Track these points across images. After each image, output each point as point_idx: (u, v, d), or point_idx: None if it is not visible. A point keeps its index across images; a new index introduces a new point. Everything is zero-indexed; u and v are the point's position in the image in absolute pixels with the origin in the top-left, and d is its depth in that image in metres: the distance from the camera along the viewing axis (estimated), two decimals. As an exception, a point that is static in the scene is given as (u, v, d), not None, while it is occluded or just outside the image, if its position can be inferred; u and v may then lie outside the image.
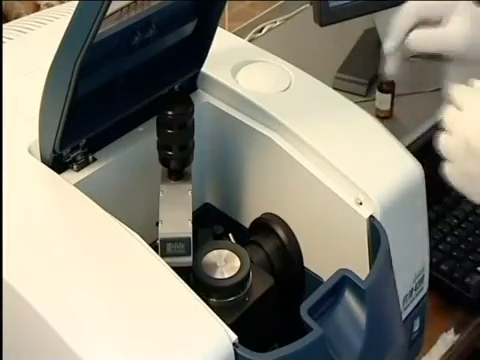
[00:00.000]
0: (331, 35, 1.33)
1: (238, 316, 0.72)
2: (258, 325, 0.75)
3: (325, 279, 0.74)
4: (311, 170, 0.78)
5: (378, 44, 0.97)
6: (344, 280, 0.69)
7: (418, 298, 0.82)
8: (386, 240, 0.73)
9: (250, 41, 1.38)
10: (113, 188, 0.77)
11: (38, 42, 0.91)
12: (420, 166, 0.80)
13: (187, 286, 0.64)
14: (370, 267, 0.73)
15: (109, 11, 0.62)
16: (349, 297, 0.70)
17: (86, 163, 0.75)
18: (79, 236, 0.67)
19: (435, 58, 0.83)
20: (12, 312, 0.64)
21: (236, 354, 0.61)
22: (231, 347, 0.61)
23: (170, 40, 0.78)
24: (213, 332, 0.61)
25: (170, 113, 0.74)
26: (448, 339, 0.97)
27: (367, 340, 0.68)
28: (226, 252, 0.76)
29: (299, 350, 0.63)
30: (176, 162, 0.77)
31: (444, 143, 0.70)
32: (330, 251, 0.78)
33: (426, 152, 0.78)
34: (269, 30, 1.47)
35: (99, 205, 0.68)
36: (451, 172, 0.70)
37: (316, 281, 0.80)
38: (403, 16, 0.80)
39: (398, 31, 0.80)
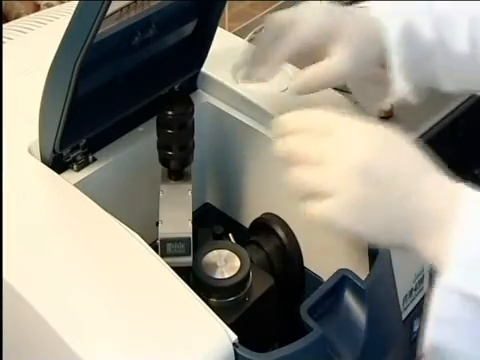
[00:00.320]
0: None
1: (238, 316, 0.72)
2: (258, 325, 0.75)
3: (325, 279, 0.74)
4: (311, 170, 0.78)
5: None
6: (344, 280, 0.69)
7: (418, 298, 0.82)
8: (386, 240, 0.73)
9: (250, 41, 1.38)
10: (113, 188, 0.77)
11: (38, 42, 0.91)
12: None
13: (187, 286, 0.64)
14: (370, 267, 0.73)
15: (109, 11, 0.62)
16: (349, 297, 0.70)
17: (86, 163, 0.75)
18: (79, 236, 0.67)
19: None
20: (12, 312, 0.64)
21: (236, 354, 0.61)
22: (231, 347, 0.61)
23: (170, 40, 0.78)
24: (213, 332, 0.61)
25: (170, 113, 0.74)
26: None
27: (367, 340, 0.68)
28: (226, 252, 0.76)
29: (299, 350, 0.63)
30: (176, 162, 0.77)
31: (310, 178, 0.61)
32: (330, 251, 0.78)
33: (426, 152, 0.78)
34: (269, 30, 1.47)
35: (99, 205, 0.68)
36: (333, 208, 0.60)
37: (316, 281, 0.80)
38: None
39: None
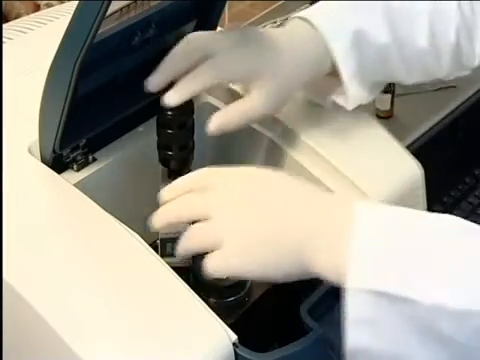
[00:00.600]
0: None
1: (238, 316, 0.72)
2: (258, 325, 0.75)
3: (325, 279, 0.74)
4: (311, 170, 0.78)
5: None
6: (344, 280, 0.69)
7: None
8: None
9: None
10: (113, 188, 0.77)
11: (38, 42, 0.91)
12: (420, 166, 0.80)
13: (187, 286, 0.64)
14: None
15: (109, 11, 0.62)
16: (349, 297, 0.69)
17: (86, 163, 0.75)
18: (79, 236, 0.67)
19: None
20: (12, 312, 0.64)
21: (236, 354, 0.61)
22: (231, 347, 0.61)
23: (170, 40, 0.78)
24: (213, 332, 0.61)
25: (170, 113, 0.74)
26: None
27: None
28: (226, 252, 0.76)
29: (299, 350, 0.63)
30: (176, 162, 0.76)
31: (199, 237, 0.63)
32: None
33: (426, 152, 0.78)
34: (269, 30, 1.47)
35: (99, 205, 0.68)
36: (218, 259, 0.61)
37: (316, 281, 0.79)
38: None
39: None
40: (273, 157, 0.81)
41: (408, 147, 0.83)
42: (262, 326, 0.76)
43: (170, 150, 0.76)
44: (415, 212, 0.60)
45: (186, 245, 0.64)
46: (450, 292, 0.55)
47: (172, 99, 0.72)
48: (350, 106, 0.78)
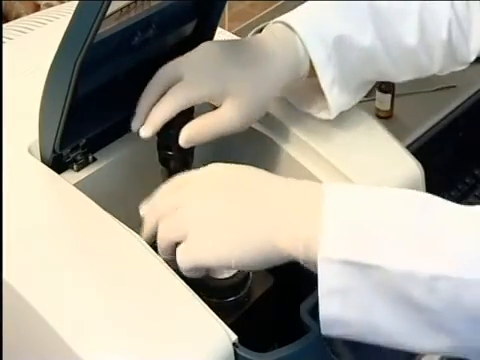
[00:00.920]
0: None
1: (238, 316, 0.72)
2: (258, 325, 0.75)
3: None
4: (311, 170, 0.78)
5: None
6: (344, 280, 0.69)
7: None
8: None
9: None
10: (113, 188, 0.77)
11: (38, 42, 0.91)
12: (420, 166, 0.80)
13: (187, 286, 0.64)
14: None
15: (109, 11, 0.62)
16: (349, 297, 0.69)
17: (86, 163, 0.75)
18: (79, 236, 0.67)
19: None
20: (12, 312, 0.64)
21: (236, 354, 0.61)
22: (231, 347, 0.61)
23: (170, 40, 0.78)
24: (213, 332, 0.61)
25: (170, 113, 0.74)
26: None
27: (367, 340, 0.68)
28: (226, 252, 0.76)
29: (299, 350, 0.63)
30: (176, 162, 0.77)
31: (167, 231, 0.64)
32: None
33: (426, 152, 0.78)
34: (269, 30, 1.47)
35: (99, 205, 0.68)
36: (184, 250, 0.62)
37: (316, 281, 0.79)
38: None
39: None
40: (273, 157, 0.81)
41: (408, 147, 0.83)
42: (262, 326, 0.76)
43: (170, 150, 0.76)
44: (381, 188, 0.60)
45: (158, 241, 0.65)
46: (419, 259, 0.55)
47: (144, 132, 0.74)
48: (332, 115, 0.78)
